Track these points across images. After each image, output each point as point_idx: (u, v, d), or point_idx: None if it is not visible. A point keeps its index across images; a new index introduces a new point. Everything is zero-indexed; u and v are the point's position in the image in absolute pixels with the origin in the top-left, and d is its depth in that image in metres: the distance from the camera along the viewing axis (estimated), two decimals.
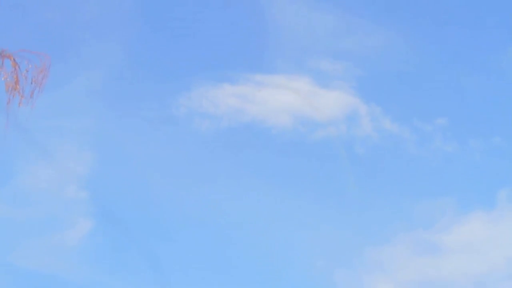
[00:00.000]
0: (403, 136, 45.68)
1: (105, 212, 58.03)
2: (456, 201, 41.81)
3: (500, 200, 39.43)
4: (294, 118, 47.37)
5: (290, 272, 44.28)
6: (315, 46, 47.60)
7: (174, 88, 49.55)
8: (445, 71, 45.71)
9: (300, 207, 45.42)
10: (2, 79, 14.00)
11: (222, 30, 50.32)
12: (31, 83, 14.18)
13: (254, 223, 46.44)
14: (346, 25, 47.95)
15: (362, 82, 46.39)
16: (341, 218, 44.33)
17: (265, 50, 49.25)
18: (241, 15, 48.44)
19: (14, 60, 14.12)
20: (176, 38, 50.28)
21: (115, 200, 53.86)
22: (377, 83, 47.30)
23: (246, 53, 49.94)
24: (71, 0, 43.47)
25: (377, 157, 46.37)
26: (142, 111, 51.82)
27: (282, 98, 46.40)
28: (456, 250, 38.14)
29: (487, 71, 44.30)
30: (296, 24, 48.14)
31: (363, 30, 47.67)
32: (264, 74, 47.10)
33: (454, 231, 39.11)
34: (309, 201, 45.12)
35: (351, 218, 44.21)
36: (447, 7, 45.56)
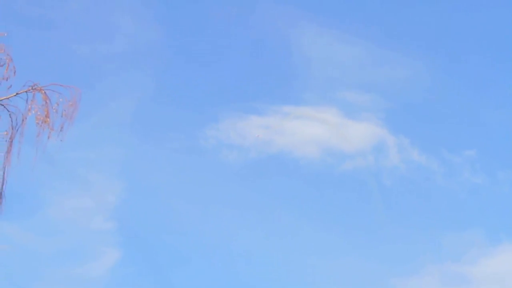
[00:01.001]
0: (431, 168, 45.49)
1: (132, 242, 57.97)
2: (484, 233, 41.49)
3: None
4: (322, 149, 47.39)
5: None
6: (342, 78, 47.67)
7: (202, 119, 49.75)
8: (473, 103, 45.57)
9: (327, 238, 45.27)
10: (33, 112, 14.22)
11: (250, 62, 50.54)
12: (62, 116, 14.39)
13: (280, 253, 46.30)
14: (373, 57, 48.03)
15: (389, 114, 46.34)
16: (368, 249, 44.12)
17: (293, 81, 49.39)
18: (269, 47, 48.64)
19: (45, 93, 14.34)
20: (204, 70, 50.58)
21: (142, 230, 53.94)
22: (405, 115, 47.21)
23: (274, 84, 50.10)
24: (99, 32, 44.01)
25: (405, 189, 46.19)
26: (170, 141, 52.06)
27: (310, 129, 46.44)
28: (484, 282, 37.80)
29: None
30: (323, 56, 48.27)
31: (390, 62, 47.70)
32: (292, 105, 47.17)
33: (482, 263, 38.79)
34: (336, 231, 44.96)
35: (378, 249, 43.98)
36: (475, 39, 45.58)
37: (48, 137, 14.17)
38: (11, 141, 13.98)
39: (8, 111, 14.16)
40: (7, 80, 13.93)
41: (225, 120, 46.02)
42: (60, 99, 14.40)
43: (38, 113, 14.21)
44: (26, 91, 14.28)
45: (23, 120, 14.14)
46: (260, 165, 46.42)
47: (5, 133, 13.91)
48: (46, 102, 14.30)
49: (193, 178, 52.24)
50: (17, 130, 14.14)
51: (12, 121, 14.14)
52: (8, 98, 14.16)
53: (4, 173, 13.65)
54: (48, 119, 14.18)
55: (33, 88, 14.30)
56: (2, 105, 14.10)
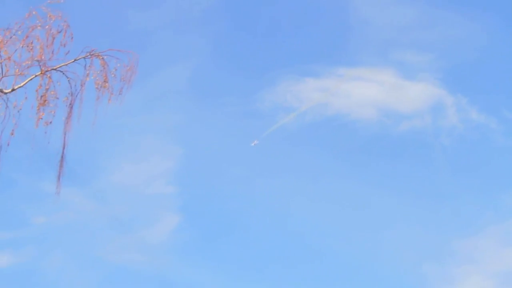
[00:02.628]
0: (490, 127, 44.94)
1: (191, 206, 58.47)
2: None
3: None
4: (379, 110, 47.07)
5: (380, 267, 44.03)
6: (399, 38, 47.18)
7: (258, 83, 49.75)
8: None
9: (386, 200, 45.12)
10: (92, 78, 14.35)
11: (306, 24, 50.31)
12: (120, 80, 14.50)
13: (339, 217, 46.23)
14: (430, 17, 47.41)
15: (447, 73, 45.83)
16: (428, 211, 43.88)
17: (349, 43, 49.03)
18: (324, 9, 48.32)
19: (102, 59, 14.45)
20: (260, 34, 50.46)
21: (201, 195, 54.32)
22: (462, 74, 46.63)
23: (330, 46, 49.81)
24: None
25: (464, 148, 45.75)
26: (227, 106, 52.18)
27: (366, 91, 46.14)
28: None
29: None
30: (379, 17, 47.81)
31: (447, 22, 47.05)
32: (348, 67, 46.89)
33: None
34: (396, 194, 44.78)
35: (438, 211, 43.74)
36: None
37: (108, 101, 14.30)
38: (71, 107, 14.15)
39: (67, 77, 14.31)
40: (65, 46, 14.07)
41: (281, 84, 45.95)
42: (118, 64, 14.52)
43: (97, 78, 14.35)
44: (84, 57, 14.41)
45: (82, 85, 14.30)
46: (317, 128, 46.33)
47: (65, 98, 14.08)
48: (104, 68, 14.42)
49: (250, 142, 52.35)
50: (76, 95, 14.30)
51: (71, 87, 14.30)
52: (66, 65, 14.30)
53: (64, 137, 13.84)
54: (106, 84, 14.31)
55: (91, 54, 14.41)
56: (61, 71, 14.25)
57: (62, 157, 13.78)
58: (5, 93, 13.64)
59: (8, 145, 13.23)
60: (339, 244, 43.01)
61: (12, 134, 13.42)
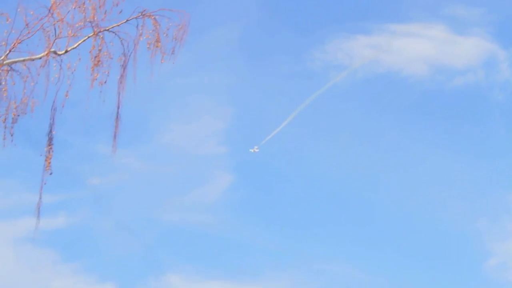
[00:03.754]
0: None
1: (243, 165, 58.72)
2: None
3: None
4: (431, 66, 46.61)
5: (435, 224, 43.91)
6: None
7: (309, 42, 49.53)
8: None
9: (440, 157, 44.84)
10: (144, 38, 14.40)
11: None
12: (172, 40, 14.54)
13: (393, 175, 46.11)
14: None
15: (499, 27, 45.12)
16: (482, 167, 43.58)
17: None
18: None
19: (154, 19, 14.49)
20: None
21: (253, 154, 54.42)
22: None
23: (381, 3, 49.33)
24: None
25: None
26: (278, 65, 52.06)
27: (418, 47, 45.68)
28: None
29: None
30: None
31: None
32: (399, 23, 46.42)
33: None
34: (449, 150, 44.50)
35: (493, 167, 43.38)
36: None
37: (161, 61, 14.35)
38: (124, 67, 14.22)
39: (120, 37, 14.37)
40: (117, 6, 14.12)
41: (332, 42, 45.68)
42: (170, 24, 14.55)
43: (149, 38, 14.39)
44: (136, 18, 14.46)
45: (135, 45, 14.35)
46: (368, 85, 46.05)
47: (119, 59, 14.16)
48: (156, 27, 14.46)
49: (301, 101, 52.35)
50: (129, 56, 14.36)
51: (124, 48, 14.36)
52: (119, 25, 14.36)
53: (119, 97, 13.94)
54: (159, 44, 14.35)
55: (143, 14, 14.45)
56: (113, 32, 14.31)
57: (117, 116, 13.89)
58: (59, 55, 13.75)
59: (63, 106, 13.37)
60: (392, 202, 42.91)
61: (66, 95, 13.54)
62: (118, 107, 13.77)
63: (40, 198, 12.49)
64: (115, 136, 13.93)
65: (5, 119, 13.01)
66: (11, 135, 12.88)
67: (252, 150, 50.57)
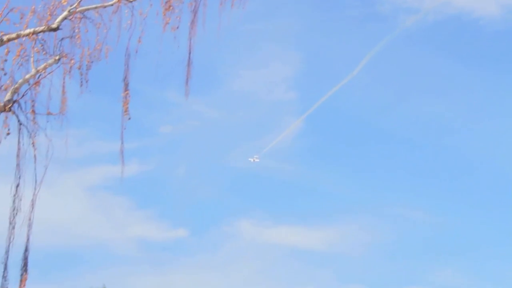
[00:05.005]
0: None
1: (313, 111, 58.55)
2: None
3: None
4: (502, 7, 45.62)
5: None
6: None
7: None
8: None
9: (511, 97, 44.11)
10: None
11: None
12: None
13: (466, 119, 45.50)
14: None
15: None
16: None
17: None
18: None
19: None
20: None
21: (323, 100, 54.26)
22: None
23: None
24: None
25: None
26: (347, 9, 51.51)
27: None
28: None
29: None
30: None
31: None
32: None
33: None
34: None
35: None
36: None
37: (231, 6, 14.31)
38: (195, 12, 14.20)
39: None
40: None
41: None
42: None
43: None
44: None
45: None
46: (439, 28, 45.29)
47: (190, 4, 14.14)
48: None
49: (371, 45, 51.84)
50: (200, 0, 14.34)
51: None
52: None
53: (190, 43, 13.97)
54: None
55: None
56: None
57: (189, 62, 13.94)
58: (130, 1, 13.81)
59: (136, 52, 13.45)
60: (464, 148, 42.35)
61: (139, 41, 13.62)
62: (190, 53, 13.80)
63: (122, 143, 12.65)
64: (187, 83, 13.99)
65: (80, 66, 13.17)
66: (87, 82, 13.05)
67: (252, 160, 51.03)
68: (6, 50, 12.16)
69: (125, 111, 12.57)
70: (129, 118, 12.53)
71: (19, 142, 12.47)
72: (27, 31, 12.54)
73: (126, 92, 12.60)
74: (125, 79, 12.65)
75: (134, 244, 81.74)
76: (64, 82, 13.03)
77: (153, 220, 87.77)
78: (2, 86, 12.32)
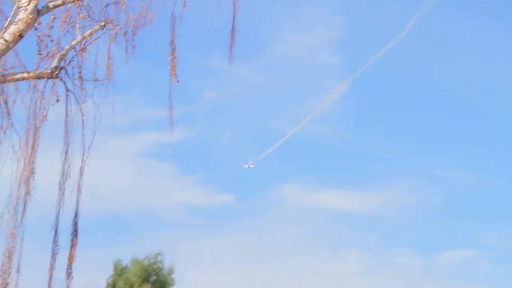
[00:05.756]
0: None
1: (357, 75, 58.24)
2: None
3: None
4: None
5: None
6: None
7: None
8: None
9: None
10: None
11: None
12: None
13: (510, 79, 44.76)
14: None
15: None
16: None
17: None
18: None
19: None
20: None
21: (367, 63, 53.92)
22: None
23: None
24: None
25: None
26: None
27: None
28: None
29: None
30: None
31: None
32: None
33: None
34: None
35: None
36: None
37: None
38: None
39: None
40: None
41: None
42: None
43: None
44: None
45: None
46: None
47: None
48: None
49: (416, 9, 51.39)
50: None
51: None
52: None
53: (234, 8, 13.90)
54: None
55: None
56: None
57: (233, 27, 13.86)
58: None
59: (181, 17, 13.41)
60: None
61: (184, 6, 13.57)
62: (234, 18, 13.70)
63: (171, 106, 12.66)
64: (231, 49, 13.91)
65: (125, 32, 13.18)
66: (133, 48, 13.06)
67: (246, 166, 51.26)
68: (52, 16, 12.20)
69: (173, 75, 12.56)
70: (178, 81, 12.52)
71: (66, 109, 12.58)
72: None
73: (173, 56, 12.58)
74: (171, 42, 12.63)
75: (180, 209, 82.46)
76: (109, 49, 13.06)
77: (199, 186, 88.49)
78: (49, 53, 12.39)
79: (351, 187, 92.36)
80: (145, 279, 52.67)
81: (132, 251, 55.74)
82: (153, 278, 53.43)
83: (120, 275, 54.07)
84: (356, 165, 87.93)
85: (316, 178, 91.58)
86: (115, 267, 54.41)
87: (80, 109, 12.49)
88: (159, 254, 54.31)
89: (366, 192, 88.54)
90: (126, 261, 54.67)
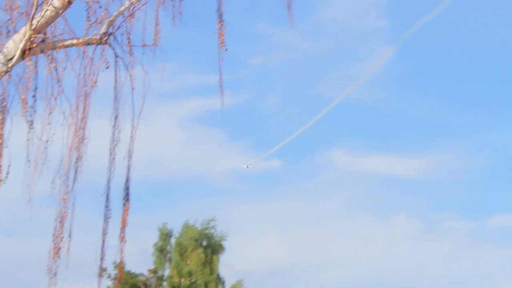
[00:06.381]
0: None
1: (405, 39, 57.64)
2: None
3: None
4: None
5: None
6: None
7: None
8: None
9: None
10: None
11: None
12: None
13: None
14: None
15: None
16: None
17: None
18: None
19: None
20: None
21: (415, 27, 53.31)
22: None
23: None
24: None
25: None
26: None
27: None
28: None
29: None
30: None
31: None
32: None
33: None
34: None
35: None
36: None
37: None
38: None
39: None
40: None
41: None
42: None
43: None
44: None
45: None
46: None
47: None
48: None
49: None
50: None
51: None
52: None
53: None
54: None
55: None
56: None
57: None
58: None
59: None
60: None
61: None
62: None
63: (220, 75, 12.63)
64: (289, 8, 13.63)
65: None
66: (180, 14, 13.02)
67: (245, 166, 51.04)
68: None
69: (221, 43, 12.51)
70: (226, 50, 12.47)
71: (116, 75, 12.63)
72: None
73: (220, 24, 12.52)
74: (219, 10, 12.56)
75: (229, 175, 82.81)
76: (157, 14, 13.04)
77: (247, 151, 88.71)
78: (97, 19, 12.43)
79: (399, 152, 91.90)
80: (198, 244, 53.09)
81: (180, 217, 56.25)
82: (205, 243, 53.84)
83: (165, 240, 54.62)
84: (404, 129, 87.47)
85: (364, 143, 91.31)
86: (161, 233, 54.92)
87: (130, 75, 12.53)
88: (212, 220, 54.59)
89: (415, 156, 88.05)
90: (176, 227, 55.16)
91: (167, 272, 53.96)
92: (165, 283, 52.92)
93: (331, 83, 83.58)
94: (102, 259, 12.14)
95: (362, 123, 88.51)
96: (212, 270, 53.03)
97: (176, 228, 55.09)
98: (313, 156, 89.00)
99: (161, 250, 54.47)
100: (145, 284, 52.25)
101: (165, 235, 54.91)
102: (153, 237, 54.83)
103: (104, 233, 12.11)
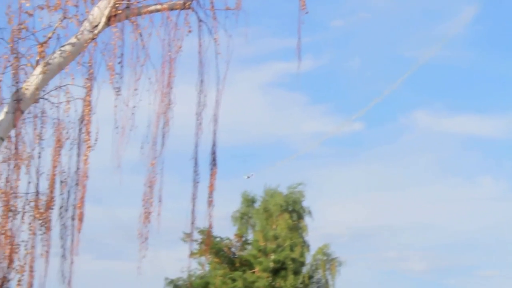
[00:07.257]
0: None
1: None
2: None
3: None
4: None
5: None
6: None
7: None
8: None
9: None
10: None
11: None
12: None
13: None
14: None
15: None
16: None
17: None
18: None
19: None
20: None
21: None
22: None
23: None
24: None
25: None
26: None
27: None
28: None
29: None
30: None
31: None
32: None
33: None
34: None
35: None
36: None
37: None
38: None
39: None
40: None
41: None
42: None
43: None
44: None
45: None
46: None
47: None
48: None
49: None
50: None
51: None
52: None
53: None
54: None
55: None
56: None
57: None
58: None
59: None
60: None
61: None
62: None
63: (299, 37, 12.49)
64: None
65: None
66: None
67: (246, 177, 49.86)
68: None
69: (302, 5, 12.35)
70: (307, 12, 12.32)
71: (199, 39, 12.59)
72: None
73: None
74: None
75: (311, 139, 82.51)
76: None
77: (329, 115, 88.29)
78: None
79: (483, 112, 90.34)
80: (284, 209, 52.97)
81: (262, 182, 56.00)
82: (291, 208, 53.68)
83: (248, 206, 54.71)
84: (488, 89, 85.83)
85: (447, 103, 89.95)
86: (244, 199, 55.02)
87: (215, 39, 12.48)
88: (300, 184, 54.06)
89: (499, 116, 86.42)
90: (259, 191, 55.15)
91: (250, 237, 54.15)
92: (249, 247, 53.15)
93: (414, 44, 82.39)
94: (193, 223, 12.21)
95: (445, 83, 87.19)
96: (300, 235, 53.02)
97: (259, 193, 55.05)
98: (395, 118, 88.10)
99: (242, 217, 54.63)
100: (229, 248, 52.63)
101: (248, 201, 55.04)
102: (235, 203, 54.98)
103: (194, 197, 12.17)
